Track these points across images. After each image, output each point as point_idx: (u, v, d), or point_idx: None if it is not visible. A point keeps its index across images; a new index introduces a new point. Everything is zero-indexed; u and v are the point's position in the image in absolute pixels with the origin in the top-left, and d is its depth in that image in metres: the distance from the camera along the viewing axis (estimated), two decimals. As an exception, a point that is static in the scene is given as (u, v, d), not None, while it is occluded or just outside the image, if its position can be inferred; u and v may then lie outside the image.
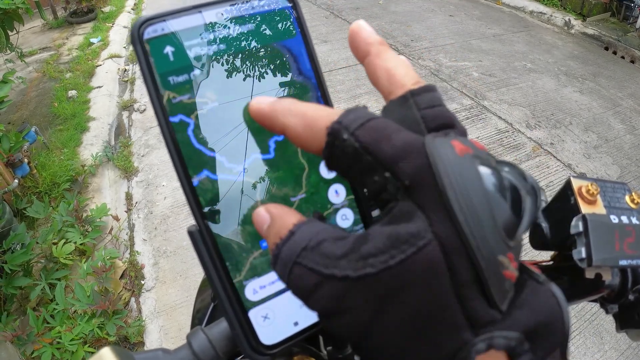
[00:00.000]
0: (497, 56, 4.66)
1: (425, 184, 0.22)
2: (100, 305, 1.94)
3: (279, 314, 0.30)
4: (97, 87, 4.29)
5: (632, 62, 5.06)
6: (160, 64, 0.26)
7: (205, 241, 0.27)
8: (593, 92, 4.24)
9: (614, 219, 0.41)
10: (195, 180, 0.27)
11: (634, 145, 3.49)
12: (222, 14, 0.28)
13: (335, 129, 0.24)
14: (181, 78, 0.27)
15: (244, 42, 0.29)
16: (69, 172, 2.87)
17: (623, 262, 0.41)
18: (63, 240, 2.28)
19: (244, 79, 0.29)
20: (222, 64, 0.28)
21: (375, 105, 3.75)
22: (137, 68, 4.90)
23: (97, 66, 4.78)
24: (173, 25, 0.26)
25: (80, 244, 2.33)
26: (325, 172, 0.31)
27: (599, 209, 0.42)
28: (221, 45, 0.28)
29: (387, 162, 0.23)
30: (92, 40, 5.44)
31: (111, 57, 5.03)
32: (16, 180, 2.53)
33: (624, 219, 0.42)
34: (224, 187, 0.28)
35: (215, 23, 0.28)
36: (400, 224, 0.22)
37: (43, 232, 2.34)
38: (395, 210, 0.23)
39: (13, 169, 2.59)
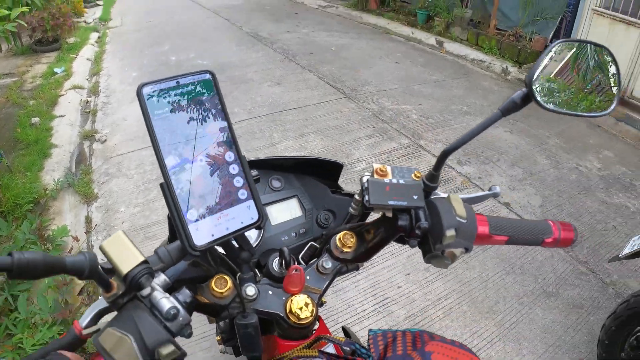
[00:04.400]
0: (436, 100, 5.13)
1: None
2: (61, 314, 2.14)
3: (203, 229, 0.58)
4: (59, 116, 4.48)
5: None
6: (150, 104, 0.56)
7: (170, 190, 0.56)
8: (522, 132, 4.72)
9: (386, 181, 0.73)
10: (166, 157, 0.56)
11: (556, 178, 3.92)
12: (178, 82, 0.59)
13: None
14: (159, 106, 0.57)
15: (191, 94, 0.59)
16: (32, 195, 3.06)
17: (391, 202, 0.70)
18: (26, 256, 2.47)
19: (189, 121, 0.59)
20: (181, 108, 0.58)
21: (321, 143, 4.11)
22: (99, 100, 5.12)
23: (60, 96, 4.97)
24: (154, 86, 0.56)
25: (42, 261, 2.52)
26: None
27: (387, 178, 0.74)
28: (179, 97, 0.58)
29: None
30: (56, 70, 5.63)
31: (74, 87, 5.23)
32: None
33: (395, 180, 0.73)
34: (180, 164, 0.57)
35: (177, 86, 0.58)
36: None
37: (6, 248, 2.53)
38: None
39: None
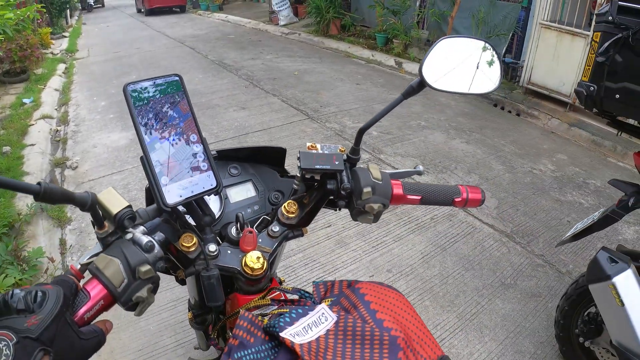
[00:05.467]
0: (395, 117, 5.40)
1: None
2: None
3: (173, 191, 0.74)
4: (30, 145, 4.58)
5: (518, 115, 6.02)
6: (132, 98, 0.74)
7: (148, 161, 0.74)
8: (478, 141, 5.00)
9: (314, 152, 0.92)
10: (144, 136, 0.74)
11: (511, 182, 4.17)
12: (154, 82, 0.78)
13: None
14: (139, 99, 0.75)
15: (164, 91, 0.77)
16: (6, 219, 3.16)
17: (317, 167, 0.89)
18: (4, 275, 2.58)
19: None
20: (156, 101, 0.76)
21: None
22: (68, 129, 5.23)
23: (30, 125, 5.07)
24: (135, 85, 0.75)
25: (19, 279, 2.64)
26: None
27: (316, 150, 0.94)
28: (154, 93, 0.76)
29: None
30: (24, 100, 5.72)
31: (43, 117, 5.32)
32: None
33: (326, 150, 0.94)
34: (155, 141, 0.75)
35: (153, 85, 0.77)
36: None
37: (-17, 270, 2.63)
38: None
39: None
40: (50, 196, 0.60)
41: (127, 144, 4.69)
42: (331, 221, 3.23)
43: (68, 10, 15.15)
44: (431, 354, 0.77)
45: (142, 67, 7.56)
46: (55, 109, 5.78)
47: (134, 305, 0.70)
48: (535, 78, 6.16)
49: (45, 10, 9.53)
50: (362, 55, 8.49)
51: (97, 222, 0.72)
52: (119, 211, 0.72)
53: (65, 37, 11.17)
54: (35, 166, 4.21)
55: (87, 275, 0.71)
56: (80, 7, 22.18)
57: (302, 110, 5.51)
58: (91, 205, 0.69)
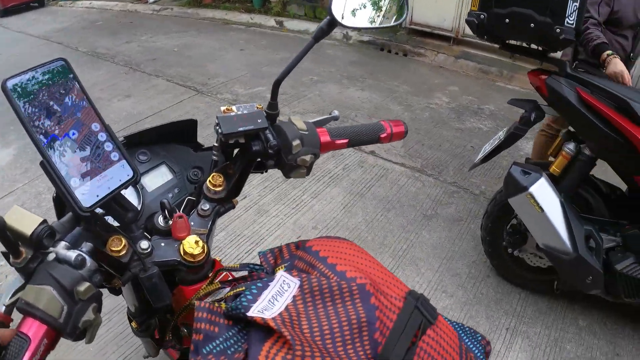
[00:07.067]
0: (287, 77, 5.27)
1: None
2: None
3: (88, 192, 0.65)
4: None
5: (405, 55, 6.17)
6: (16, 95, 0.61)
7: (50, 165, 0.61)
8: (372, 87, 5.07)
9: (233, 114, 0.84)
10: (39, 138, 0.62)
11: (412, 119, 4.30)
12: (37, 71, 0.64)
13: None
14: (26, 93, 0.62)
15: (51, 79, 0.65)
16: None
17: (240, 129, 0.81)
18: None
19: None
20: (44, 93, 0.63)
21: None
22: None
23: None
24: (16, 79, 0.62)
25: None
26: None
27: (233, 112, 0.85)
28: (41, 84, 0.63)
29: None
30: None
31: None
32: None
33: (240, 112, 0.85)
34: (53, 140, 0.62)
35: (38, 75, 0.63)
36: None
37: None
38: None
39: None
40: None
41: (11, 160, 4.17)
42: (245, 192, 3.11)
43: None
44: (399, 292, 0.76)
45: (7, 74, 6.78)
46: None
47: (82, 333, 0.62)
48: (417, 18, 6.32)
49: None
50: (241, 20, 8.20)
51: (11, 250, 0.60)
52: (35, 230, 0.60)
53: None
54: None
55: (18, 315, 0.60)
56: None
57: (189, 86, 5.24)
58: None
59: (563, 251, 1.88)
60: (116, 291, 0.89)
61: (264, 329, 0.66)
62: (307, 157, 0.86)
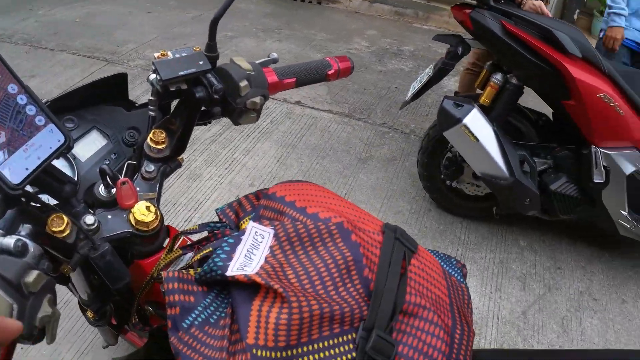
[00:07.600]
0: (201, 35, 5.04)
1: None
2: None
3: (15, 166, 0.54)
4: None
5: (319, 3, 6.04)
6: None
7: None
8: (290, 37, 4.97)
9: (170, 57, 0.75)
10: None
11: None
12: None
13: None
14: None
15: None
16: None
17: (182, 73, 0.73)
18: None
19: None
20: None
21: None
22: None
23: None
24: None
25: None
26: None
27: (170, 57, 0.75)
28: None
29: None
30: None
31: None
32: None
33: (177, 55, 0.76)
34: None
35: None
36: None
37: None
38: None
39: None
40: None
41: None
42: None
43: None
44: (375, 227, 0.75)
45: None
46: None
47: (41, 332, 0.52)
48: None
49: None
50: (141, -21, 7.71)
51: None
52: None
53: None
54: None
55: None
56: None
57: (98, 57, 4.89)
58: None
59: (501, 177, 1.99)
60: (65, 280, 0.79)
61: (246, 287, 0.61)
62: (257, 99, 0.79)
